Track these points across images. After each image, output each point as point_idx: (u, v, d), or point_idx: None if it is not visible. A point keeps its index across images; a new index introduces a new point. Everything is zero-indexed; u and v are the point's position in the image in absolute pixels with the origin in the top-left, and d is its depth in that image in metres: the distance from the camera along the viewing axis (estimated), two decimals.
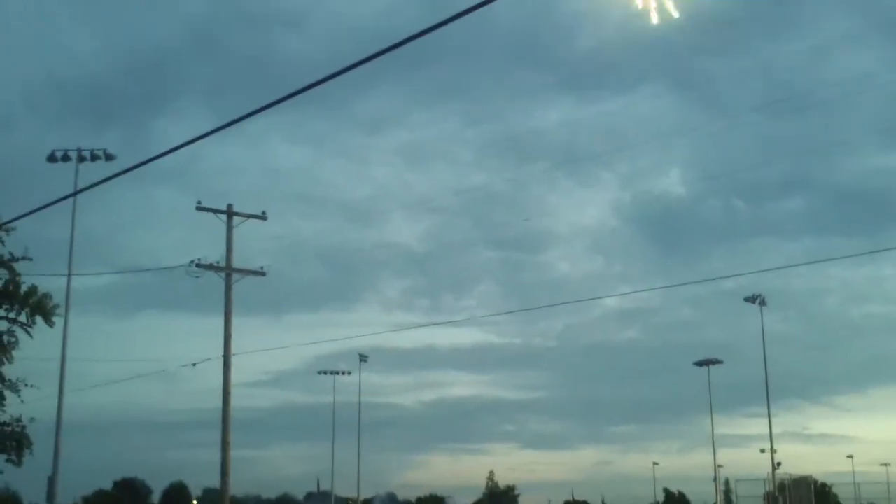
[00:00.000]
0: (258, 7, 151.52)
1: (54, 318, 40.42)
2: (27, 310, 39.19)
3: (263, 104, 13.29)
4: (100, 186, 19.19)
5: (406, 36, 11.19)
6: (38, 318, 39.53)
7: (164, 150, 15.74)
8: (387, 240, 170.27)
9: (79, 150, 45.13)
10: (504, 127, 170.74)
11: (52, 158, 44.99)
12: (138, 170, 16.66)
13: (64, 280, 44.17)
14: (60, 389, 44.24)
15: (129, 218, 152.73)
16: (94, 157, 44.99)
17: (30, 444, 40.44)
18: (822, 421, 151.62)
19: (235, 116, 13.88)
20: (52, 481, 43.90)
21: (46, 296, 40.07)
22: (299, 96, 12.78)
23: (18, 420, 40.27)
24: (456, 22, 10.47)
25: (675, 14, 10.72)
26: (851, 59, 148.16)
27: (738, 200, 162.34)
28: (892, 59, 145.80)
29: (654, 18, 10.78)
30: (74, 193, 34.33)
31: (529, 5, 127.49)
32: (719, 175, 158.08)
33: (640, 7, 10.68)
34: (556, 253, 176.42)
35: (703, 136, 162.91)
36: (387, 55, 11.58)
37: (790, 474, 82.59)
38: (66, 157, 44.96)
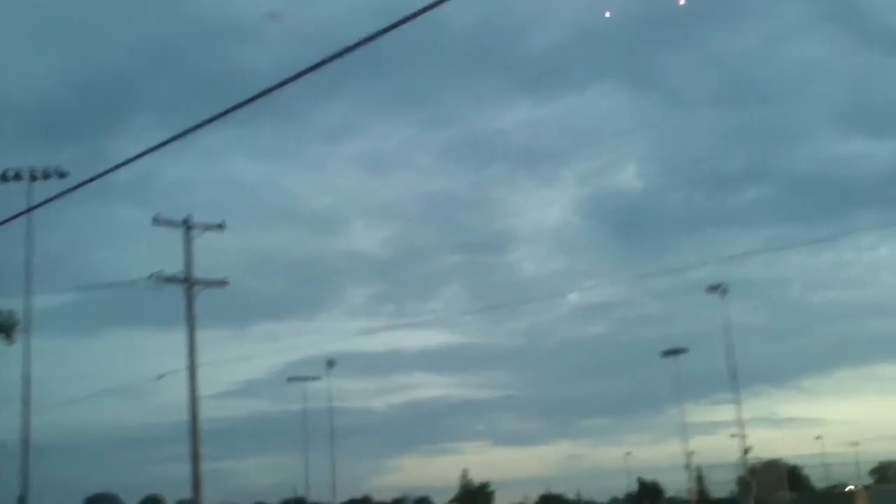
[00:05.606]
0: (213, 20, 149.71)
1: (15, 336, 40.07)
2: None
3: (218, 114, 13.09)
4: (55, 204, 18.93)
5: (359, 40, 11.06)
6: None
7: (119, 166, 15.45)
8: (350, 247, 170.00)
9: (31, 169, 44.92)
10: (462, 130, 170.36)
11: (3, 178, 44.73)
12: (95, 187, 16.38)
13: (23, 300, 43.69)
14: (26, 410, 43.77)
15: (87, 236, 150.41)
16: (46, 176, 44.77)
17: None
18: (789, 405, 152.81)
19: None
20: (21, 501, 43.55)
21: (10, 313, 39.76)
22: (256, 107, 12.60)
23: None
24: (409, 27, 10.36)
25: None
26: (804, 48, 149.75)
27: (698, 192, 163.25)
28: (843, 47, 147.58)
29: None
30: (28, 210, 34.02)
31: (480, 8, 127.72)
32: (678, 168, 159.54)
33: None
34: (519, 253, 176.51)
35: (659, 130, 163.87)
36: (342, 63, 11.44)
37: (760, 458, 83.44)
38: (17, 177, 44.71)
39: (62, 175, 44.45)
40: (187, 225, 37.35)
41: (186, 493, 38.00)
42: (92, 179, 16.18)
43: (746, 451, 76.58)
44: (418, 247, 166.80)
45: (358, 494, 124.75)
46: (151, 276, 36.28)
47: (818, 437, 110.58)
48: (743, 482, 79.89)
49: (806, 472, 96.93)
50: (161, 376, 43.35)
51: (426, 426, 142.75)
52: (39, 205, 23.12)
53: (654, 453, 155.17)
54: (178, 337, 37.59)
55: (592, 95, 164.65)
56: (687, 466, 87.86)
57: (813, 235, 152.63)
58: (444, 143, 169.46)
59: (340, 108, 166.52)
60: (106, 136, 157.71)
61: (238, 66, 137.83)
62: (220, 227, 38.21)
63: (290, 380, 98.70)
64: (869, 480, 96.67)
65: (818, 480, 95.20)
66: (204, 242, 37.61)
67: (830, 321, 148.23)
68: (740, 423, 75.54)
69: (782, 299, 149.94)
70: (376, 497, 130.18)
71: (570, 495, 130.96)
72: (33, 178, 44.70)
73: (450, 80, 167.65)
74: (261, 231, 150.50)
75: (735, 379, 73.99)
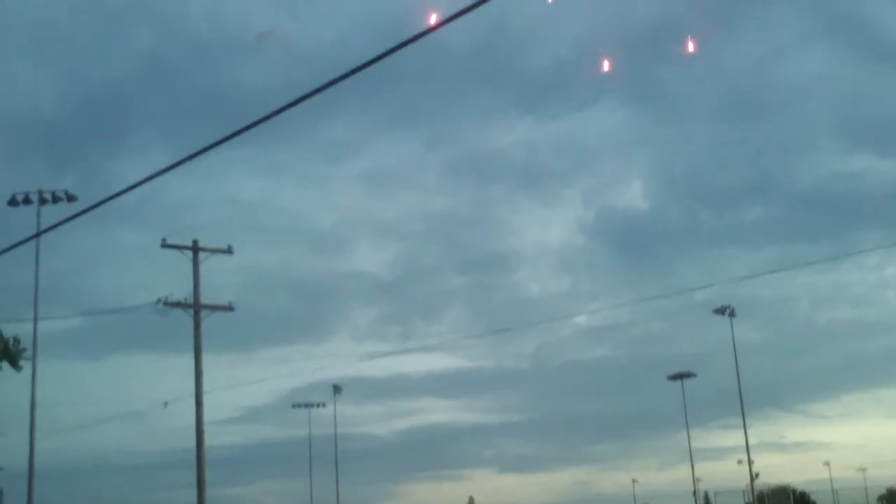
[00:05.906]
0: (211, 37, 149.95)
1: (21, 363, 39.93)
2: None
3: (223, 136, 13.25)
4: (61, 228, 19.02)
5: (362, 62, 11.22)
6: (4, 364, 39.04)
7: (123, 187, 15.61)
8: (354, 268, 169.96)
9: (40, 193, 44.98)
10: (465, 149, 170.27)
11: (13, 202, 44.80)
12: (99, 209, 16.53)
13: (28, 325, 43.68)
14: (31, 436, 43.65)
15: (90, 258, 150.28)
16: (55, 199, 44.82)
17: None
18: (797, 429, 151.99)
19: (195, 149, 13.82)
20: None
21: (15, 340, 39.61)
22: (258, 127, 12.76)
23: None
24: (410, 46, 10.51)
25: None
26: (807, 63, 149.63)
27: (702, 210, 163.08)
28: (847, 61, 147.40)
29: None
30: (38, 234, 34.08)
31: (480, 27, 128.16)
32: (681, 186, 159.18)
33: None
34: (524, 273, 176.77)
35: (662, 147, 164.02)
36: (344, 82, 11.60)
37: (769, 484, 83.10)
38: (27, 201, 44.78)
39: (71, 199, 44.55)
40: (196, 248, 37.39)
41: None
42: (101, 203, 16.33)
43: (755, 477, 76.24)
44: (423, 267, 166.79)
45: None
46: (158, 301, 36.32)
47: (826, 463, 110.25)
48: None
49: (814, 498, 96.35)
50: (166, 404, 43.23)
51: (433, 452, 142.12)
52: (49, 229, 23.21)
53: (661, 479, 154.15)
54: (184, 361, 37.50)
55: (593, 113, 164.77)
56: (694, 493, 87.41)
57: (817, 254, 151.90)
58: (446, 162, 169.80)
59: (342, 126, 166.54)
60: (107, 155, 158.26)
61: (238, 83, 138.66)
62: (229, 251, 38.22)
63: (295, 406, 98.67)
64: None
65: None
66: (208, 264, 37.54)
67: (837, 342, 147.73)
68: (748, 449, 75.12)
69: (788, 318, 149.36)
70: None
71: None
72: (43, 201, 44.81)
73: (450, 99, 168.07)
74: (264, 250, 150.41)
75: (742, 404, 73.63)
